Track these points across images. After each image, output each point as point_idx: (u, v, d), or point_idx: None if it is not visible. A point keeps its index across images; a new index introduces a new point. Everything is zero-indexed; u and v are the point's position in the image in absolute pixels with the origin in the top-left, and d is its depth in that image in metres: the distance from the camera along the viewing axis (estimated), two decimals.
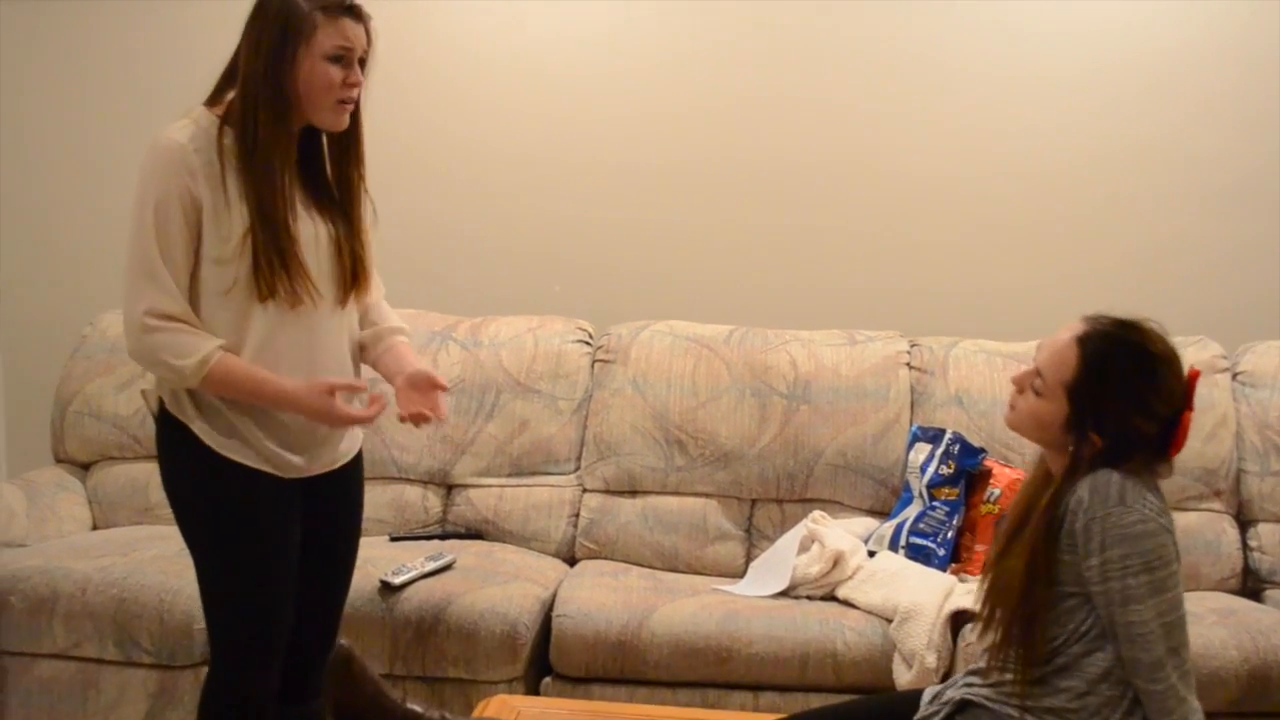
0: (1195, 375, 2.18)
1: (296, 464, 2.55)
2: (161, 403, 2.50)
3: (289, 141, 2.43)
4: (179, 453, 2.51)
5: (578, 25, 4.30)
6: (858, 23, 4.23)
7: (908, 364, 3.95)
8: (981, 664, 2.30)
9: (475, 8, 4.30)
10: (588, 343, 4.06)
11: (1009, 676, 2.20)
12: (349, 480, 2.71)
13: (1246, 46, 4.15)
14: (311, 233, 2.50)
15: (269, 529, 2.52)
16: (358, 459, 2.74)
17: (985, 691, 2.24)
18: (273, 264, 2.41)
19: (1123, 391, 2.13)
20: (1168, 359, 2.16)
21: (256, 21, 2.41)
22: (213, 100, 2.46)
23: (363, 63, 2.48)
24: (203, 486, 2.50)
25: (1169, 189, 4.21)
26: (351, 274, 2.57)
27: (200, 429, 2.46)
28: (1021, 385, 2.23)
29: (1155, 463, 2.16)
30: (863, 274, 4.29)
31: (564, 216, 4.34)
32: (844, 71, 4.25)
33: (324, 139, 2.55)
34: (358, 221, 2.58)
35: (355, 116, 2.53)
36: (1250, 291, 4.16)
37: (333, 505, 2.67)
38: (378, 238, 2.69)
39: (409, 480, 3.92)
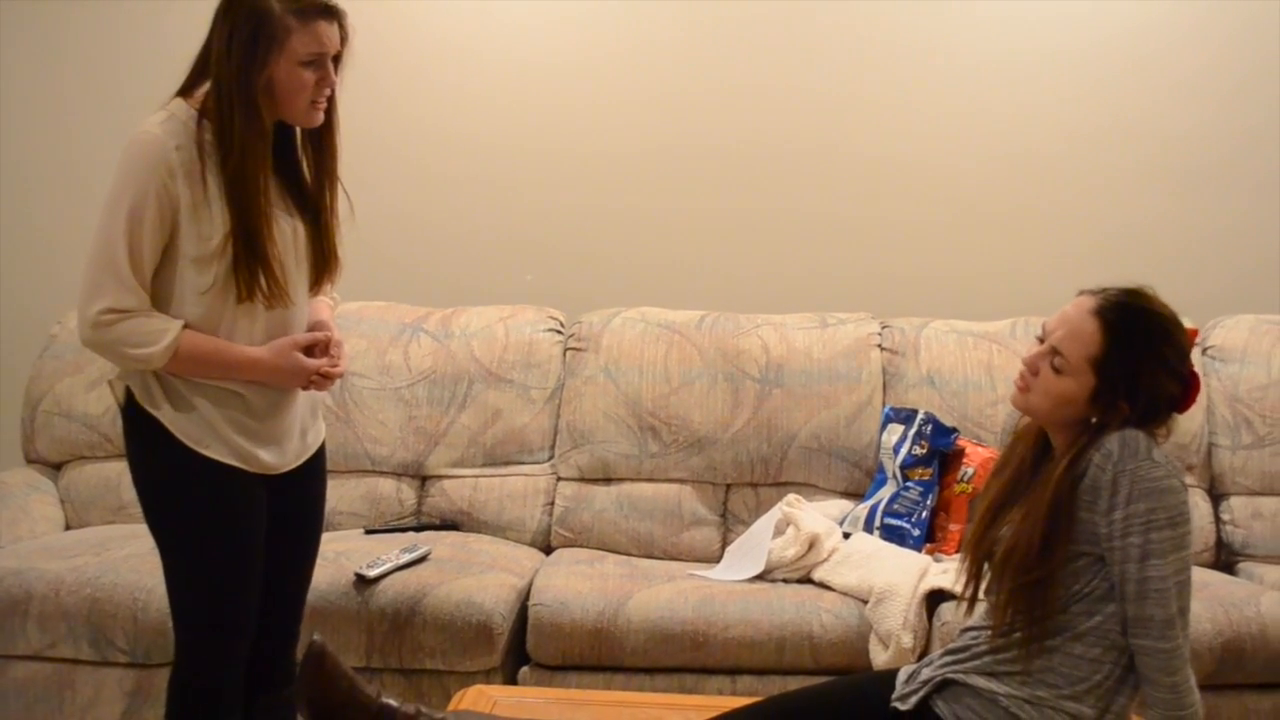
0: (1194, 333, 2.25)
1: (266, 460, 2.54)
2: (129, 393, 2.48)
3: (265, 140, 2.42)
4: (147, 445, 2.50)
5: (547, 13, 4.28)
6: (830, 8, 4.23)
7: (879, 345, 3.95)
8: (961, 642, 2.31)
9: None
10: (559, 331, 4.05)
11: (1004, 641, 2.20)
12: (313, 472, 2.71)
13: (1220, 27, 4.17)
14: (289, 230, 2.51)
15: (237, 523, 2.51)
16: (321, 452, 2.74)
17: (966, 667, 2.24)
18: (254, 270, 2.41)
19: (1151, 357, 2.16)
20: (1176, 320, 2.20)
21: (227, 19, 2.38)
22: (186, 91, 2.44)
23: (337, 59, 2.47)
24: (171, 479, 2.50)
25: (1138, 168, 4.23)
26: (324, 266, 2.60)
27: (169, 420, 2.45)
28: (1035, 366, 2.22)
29: (1167, 423, 2.20)
30: (833, 257, 4.30)
31: (534, 206, 4.33)
32: (813, 56, 4.25)
33: (298, 133, 2.55)
34: (331, 215, 2.59)
35: (330, 111, 2.52)
36: (1219, 268, 4.19)
37: (297, 496, 2.67)
38: (350, 230, 2.69)
39: (382, 473, 3.91)
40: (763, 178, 4.29)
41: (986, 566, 2.30)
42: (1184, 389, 2.19)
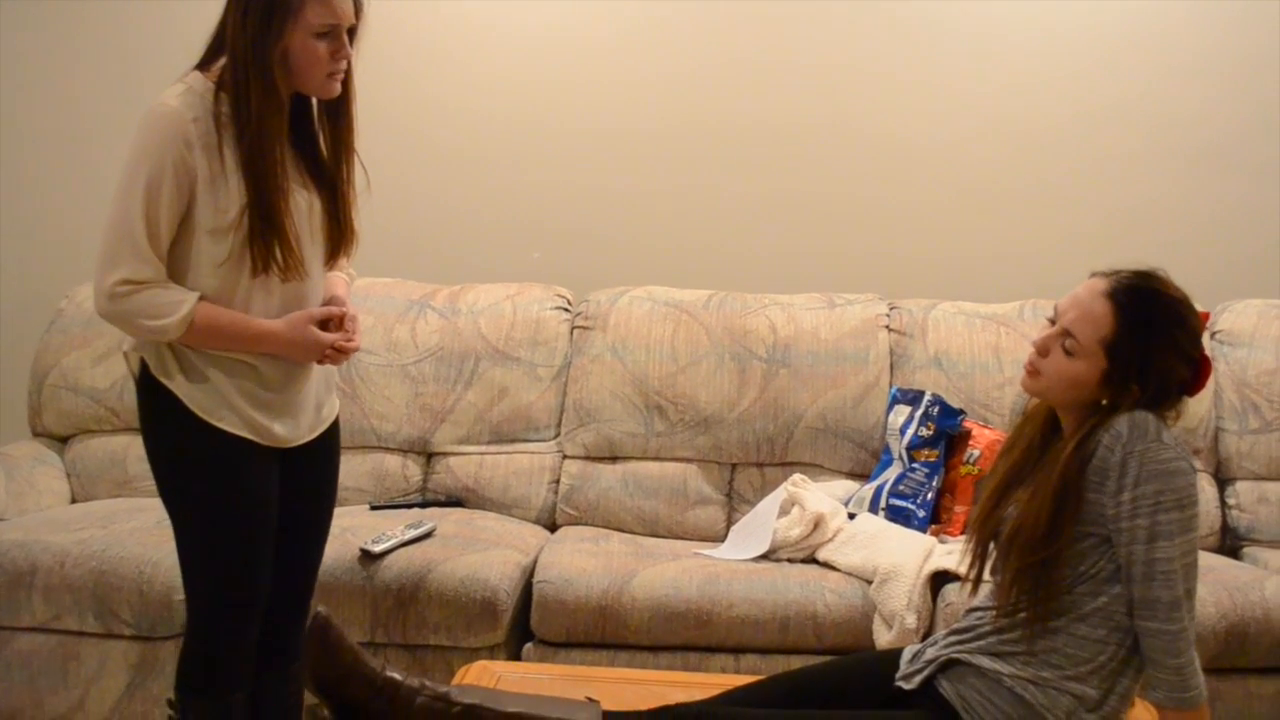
0: (1206, 316, 2.24)
1: (278, 433, 2.55)
2: (144, 365, 2.49)
3: (281, 113, 2.42)
4: (160, 416, 2.51)
5: None
6: None
7: (887, 326, 3.94)
8: (966, 622, 2.31)
9: None
10: (566, 309, 4.05)
11: (1008, 621, 2.20)
12: (326, 447, 2.72)
13: (1229, 5, 4.14)
14: (305, 203, 2.51)
15: (250, 494, 2.52)
16: (334, 427, 2.75)
17: (970, 647, 2.24)
18: (269, 243, 2.42)
19: (1163, 340, 2.16)
20: (1188, 302, 2.20)
21: (244, 2, 2.38)
22: (204, 65, 2.44)
23: (352, 32, 2.47)
24: (183, 450, 2.51)
25: (1147, 150, 4.21)
26: (339, 239, 2.61)
27: (183, 392, 2.46)
28: (1046, 348, 2.22)
29: (1178, 405, 2.20)
30: (841, 237, 4.29)
31: (542, 183, 4.32)
32: (821, 37, 4.23)
33: (315, 106, 2.54)
34: (348, 188, 2.59)
35: (346, 83, 2.52)
36: (1227, 251, 4.17)
37: (310, 471, 2.67)
38: (364, 204, 2.69)
39: (388, 449, 3.91)
40: (771, 158, 4.28)
41: (992, 546, 2.30)
42: (1195, 372, 2.19)
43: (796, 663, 3.11)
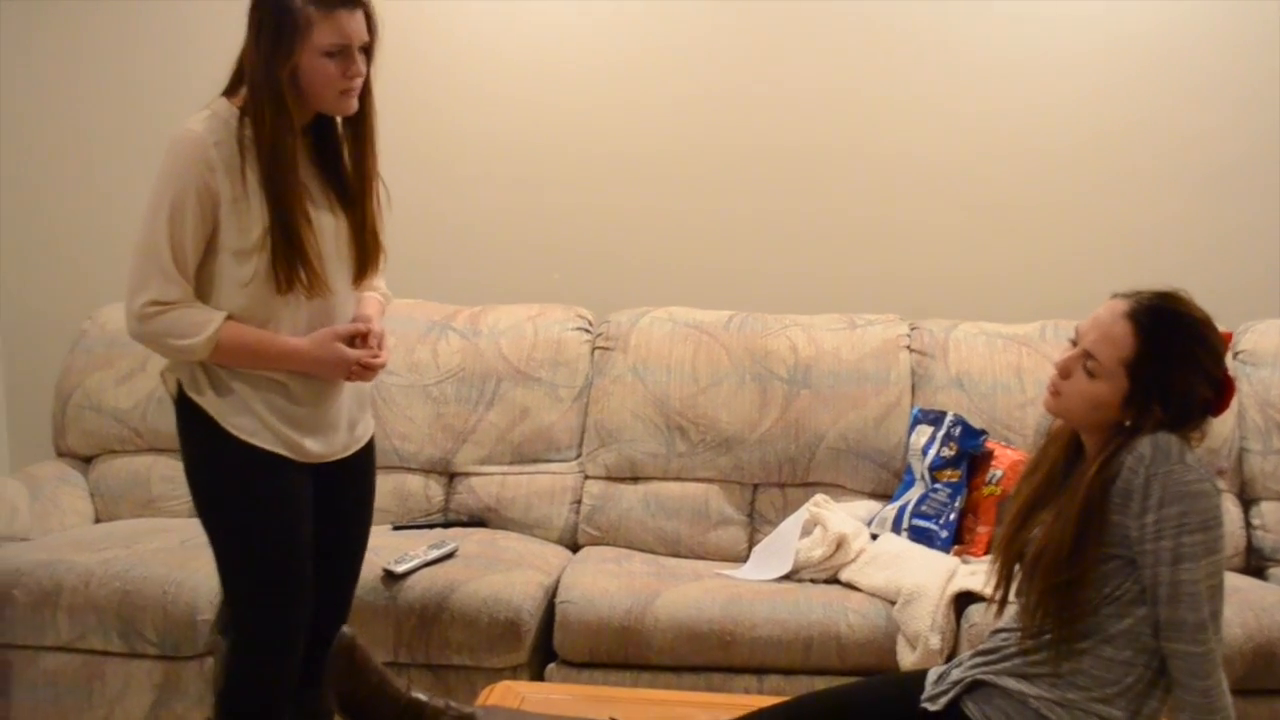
0: (1229, 336, 2.24)
1: (311, 449, 2.58)
2: (180, 385, 2.54)
3: (293, 133, 2.44)
4: (196, 435, 2.56)
5: (575, 14, 4.28)
6: (855, 8, 4.21)
7: (908, 347, 3.94)
8: (992, 643, 2.30)
9: None
10: (587, 330, 4.06)
11: (1034, 643, 2.19)
12: (361, 465, 2.75)
13: (1244, 24, 4.13)
14: (331, 223, 2.55)
15: (285, 509, 2.55)
16: (369, 446, 2.77)
17: (996, 669, 2.24)
18: (292, 261, 2.45)
19: (1184, 360, 2.15)
20: (1210, 322, 2.19)
21: (254, 16, 2.43)
22: (230, 91, 2.49)
23: (368, 49, 2.49)
24: (218, 467, 2.55)
25: (1168, 169, 4.20)
26: (368, 256, 2.63)
27: (215, 409, 2.51)
28: (1068, 370, 2.21)
29: (1202, 426, 2.19)
30: (862, 258, 4.28)
31: (562, 205, 4.33)
32: (842, 57, 4.24)
33: (338, 126, 2.57)
34: (372, 206, 2.62)
35: (366, 100, 2.54)
36: (1250, 271, 4.16)
37: (346, 489, 2.70)
38: (384, 222, 2.71)
39: (410, 469, 3.92)
40: (792, 179, 4.28)
41: (1017, 568, 2.30)
42: (1218, 392, 2.18)
43: (820, 684, 3.11)
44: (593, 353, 4.02)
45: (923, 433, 3.75)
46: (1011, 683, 2.20)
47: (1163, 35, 4.16)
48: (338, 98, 2.46)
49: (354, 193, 2.58)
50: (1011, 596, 2.32)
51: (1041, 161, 4.22)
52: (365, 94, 2.53)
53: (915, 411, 3.82)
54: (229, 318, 2.46)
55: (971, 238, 4.26)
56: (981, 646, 2.34)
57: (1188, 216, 4.19)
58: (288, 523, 2.55)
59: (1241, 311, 3.96)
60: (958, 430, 3.69)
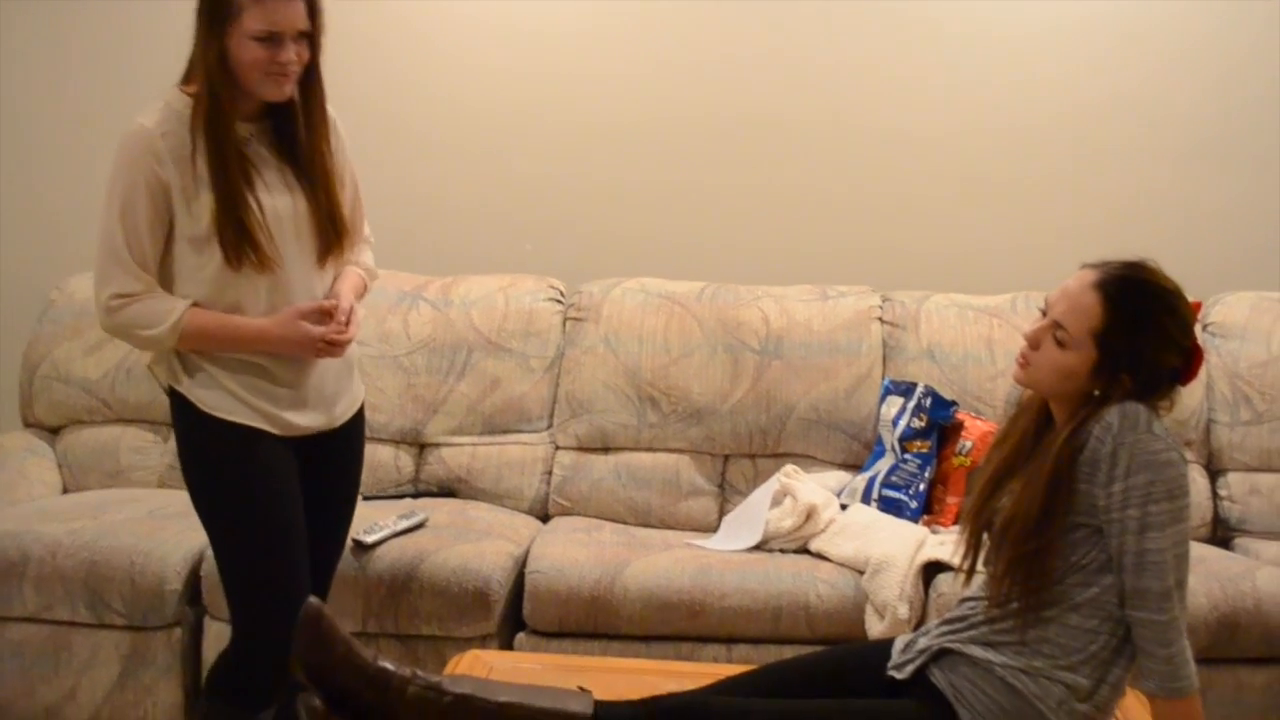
0: (1198, 306, 2.24)
1: (293, 422, 2.59)
2: (167, 376, 2.58)
3: (230, 117, 2.46)
4: (183, 425, 2.59)
5: None
6: None
7: (879, 318, 3.94)
8: (959, 612, 2.31)
9: None
10: (559, 301, 4.05)
11: (1001, 611, 2.20)
12: (348, 439, 2.76)
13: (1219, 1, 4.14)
14: (288, 206, 2.55)
15: (272, 481, 2.55)
16: (359, 416, 2.79)
17: (963, 637, 2.25)
18: (238, 240, 2.46)
19: (1152, 330, 2.16)
20: (1179, 292, 2.20)
21: (198, 3, 2.46)
22: (186, 80, 2.51)
23: (312, 36, 2.50)
24: (203, 450, 2.57)
25: (1140, 143, 4.21)
26: (331, 239, 2.63)
27: (192, 393, 2.53)
28: (1037, 340, 2.22)
29: (1170, 395, 2.20)
30: (834, 229, 4.28)
31: (534, 175, 4.31)
32: (815, 29, 4.22)
33: (296, 113, 2.57)
34: (332, 189, 2.62)
35: (312, 87, 2.56)
36: (1219, 244, 4.17)
37: (331, 464, 2.71)
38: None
39: (381, 440, 3.90)
40: (764, 150, 4.27)
41: (985, 537, 2.31)
42: (1186, 361, 2.19)
43: (789, 653, 3.09)
44: (564, 323, 4.01)
45: (893, 404, 3.76)
46: (978, 651, 2.21)
47: (1137, 9, 4.15)
48: (263, 80, 2.45)
49: (311, 177, 2.59)
50: (979, 566, 2.33)
51: (1014, 134, 4.22)
52: (313, 80, 2.56)
53: (886, 382, 3.83)
54: (194, 305, 2.49)
55: (944, 210, 4.26)
56: (949, 615, 2.35)
57: (1159, 189, 4.20)
58: (276, 493, 2.55)
59: (1212, 284, 3.98)
60: (928, 401, 3.70)
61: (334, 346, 2.58)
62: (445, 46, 4.29)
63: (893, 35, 4.21)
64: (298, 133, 2.57)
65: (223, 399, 2.53)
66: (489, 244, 4.32)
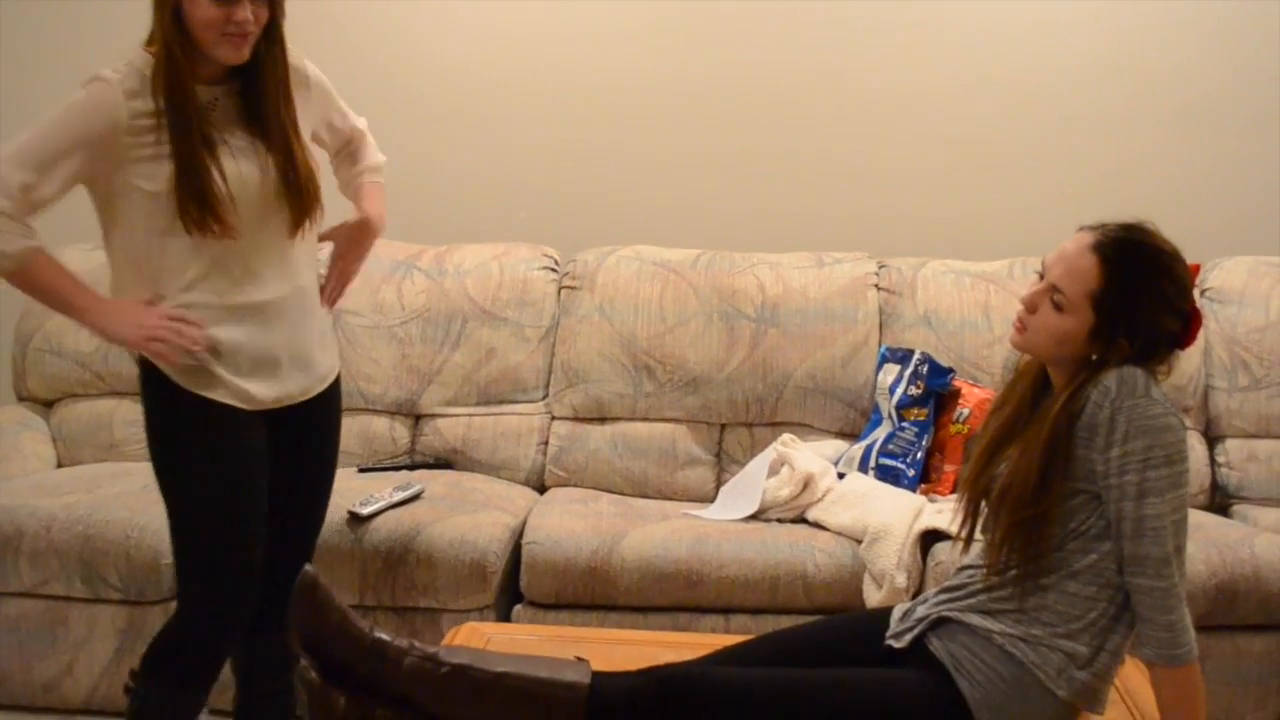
0: (1196, 269, 2.22)
1: (261, 395, 2.53)
2: None
3: (181, 75, 2.37)
4: (148, 391, 2.53)
5: None
6: None
7: (876, 285, 3.93)
8: (957, 580, 2.30)
9: None
10: (554, 269, 4.03)
11: (999, 579, 2.19)
12: (324, 408, 2.70)
13: None
14: (255, 172, 2.47)
15: (236, 464, 2.51)
16: (334, 388, 2.73)
17: (961, 605, 2.24)
18: (198, 203, 2.39)
19: (1150, 292, 2.14)
20: (1177, 254, 2.17)
21: None
22: (150, 41, 2.43)
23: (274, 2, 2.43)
24: (169, 423, 2.51)
25: (1137, 106, 4.19)
26: (301, 206, 2.55)
27: (163, 364, 2.46)
28: (1034, 304, 2.20)
29: (1168, 359, 2.18)
30: (830, 196, 4.27)
31: (528, 142, 4.29)
32: None
33: (263, 74, 2.49)
34: (297, 156, 2.53)
35: (274, 49, 2.48)
36: (1217, 208, 4.16)
37: (306, 434, 2.67)
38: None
39: (376, 411, 3.90)
40: (759, 115, 4.25)
41: (983, 505, 2.30)
42: (1184, 325, 2.17)
43: (786, 623, 3.08)
44: (559, 292, 3.99)
45: (890, 371, 3.74)
46: (976, 619, 2.20)
47: None
48: (219, 41, 2.37)
49: (275, 143, 2.51)
50: (978, 534, 2.32)
51: (1011, 98, 4.20)
52: (274, 42, 2.47)
53: (883, 350, 3.82)
54: (40, 251, 2.40)
55: (940, 175, 4.24)
56: (947, 583, 2.34)
57: (1157, 153, 4.18)
58: (239, 475, 2.51)
59: (1210, 249, 3.96)
60: (925, 368, 3.69)
61: (167, 341, 2.43)
62: (437, 12, 4.26)
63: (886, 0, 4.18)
64: (262, 96, 2.49)
65: (194, 371, 2.46)
66: (483, 212, 4.30)
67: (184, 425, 2.49)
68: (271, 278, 2.54)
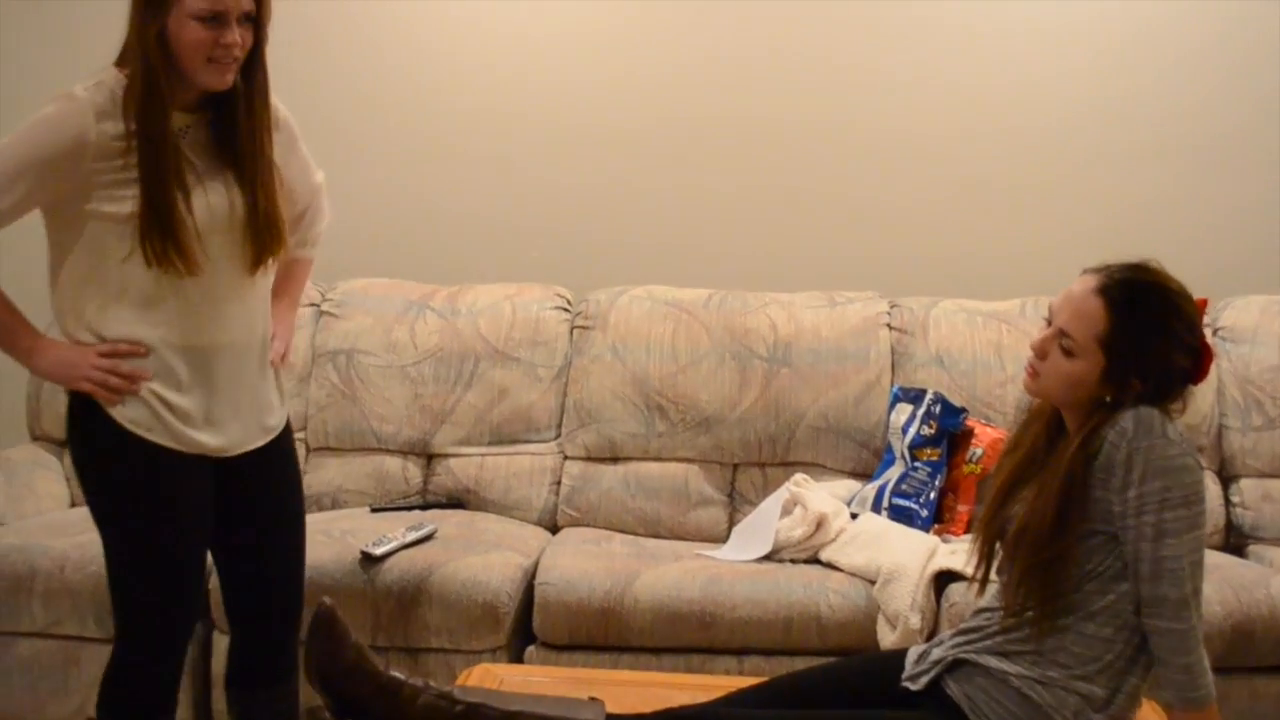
0: (1204, 303, 2.22)
1: (205, 443, 2.46)
2: None
3: (160, 100, 2.30)
4: (84, 425, 2.44)
5: None
6: None
7: (888, 325, 3.93)
8: (974, 622, 2.30)
9: None
10: (566, 309, 4.04)
11: (1015, 621, 2.18)
12: (276, 455, 2.61)
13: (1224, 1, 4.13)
14: (223, 204, 2.41)
15: (174, 508, 2.44)
16: (284, 438, 2.65)
17: (977, 647, 2.23)
18: (161, 237, 2.31)
19: (1159, 331, 2.14)
20: (1183, 291, 2.18)
21: None
22: (121, 60, 2.36)
23: (257, 21, 2.36)
24: (108, 461, 2.43)
25: (1149, 145, 4.19)
26: (266, 242, 2.47)
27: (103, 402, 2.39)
28: (1044, 350, 2.20)
29: (1182, 396, 2.18)
30: (842, 235, 4.27)
31: (540, 183, 4.31)
32: (822, 33, 4.22)
33: (239, 104, 2.42)
34: (271, 189, 2.46)
35: (255, 76, 2.41)
36: (1229, 247, 4.16)
37: (263, 482, 2.59)
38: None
39: (389, 451, 3.90)
40: (770, 156, 4.26)
41: (998, 546, 2.29)
42: (1195, 361, 2.17)
43: (800, 664, 3.09)
44: (571, 332, 4.00)
45: (903, 411, 3.74)
46: (993, 661, 2.20)
47: (1144, 11, 4.15)
48: (205, 66, 2.30)
49: (249, 175, 2.43)
50: (993, 575, 2.32)
51: (1022, 138, 4.22)
52: (256, 69, 2.40)
53: (895, 389, 3.81)
54: None
55: (951, 215, 4.25)
56: (963, 625, 2.33)
57: (1168, 192, 4.19)
58: (177, 518, 2.44)
59: (1223, 288, 3.96)
60: (938, 408, 3.68)
61: (108, 385, 2.38)
62: (449, 53, 4.29)
63: (898, 39, 4.20)
64: (238, 126, 2.41)
65: (138, 412, 2.38)
66: (495, 253, 4.32)
67: (121, 468, 2.42)
68: (227, 319, 2.47)
